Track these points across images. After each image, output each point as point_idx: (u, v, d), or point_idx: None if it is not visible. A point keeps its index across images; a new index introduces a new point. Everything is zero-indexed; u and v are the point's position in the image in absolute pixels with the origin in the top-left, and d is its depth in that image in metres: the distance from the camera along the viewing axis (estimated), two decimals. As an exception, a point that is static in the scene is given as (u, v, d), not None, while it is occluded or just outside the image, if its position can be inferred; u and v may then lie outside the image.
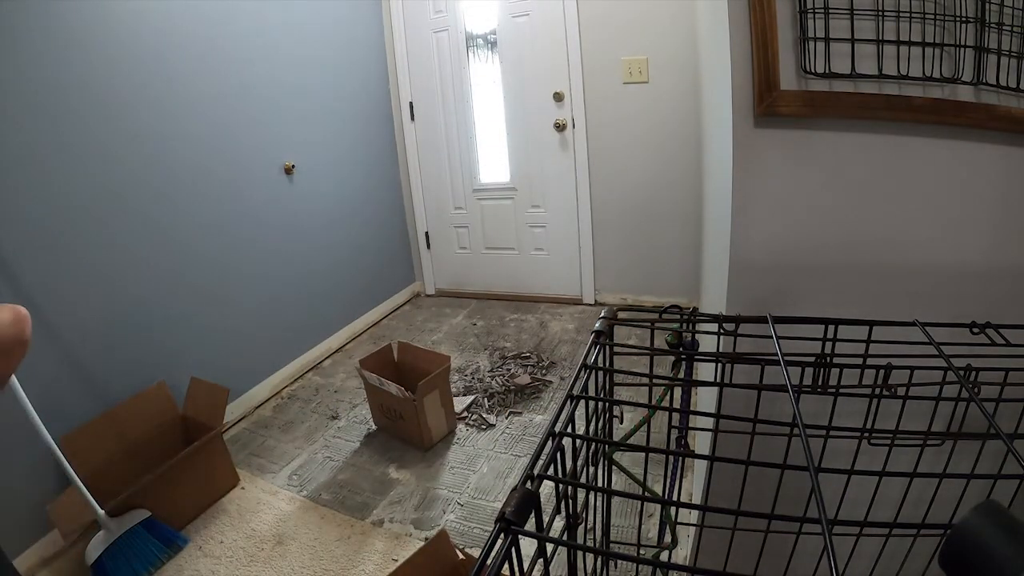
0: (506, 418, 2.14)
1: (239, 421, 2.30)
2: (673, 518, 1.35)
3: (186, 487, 1.70)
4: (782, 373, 0.60)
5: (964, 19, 0.75)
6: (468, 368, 2.55)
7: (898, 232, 0.84)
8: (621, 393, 1.71)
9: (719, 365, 0.75)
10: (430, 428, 1.99)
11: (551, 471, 0.50)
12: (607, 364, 0.75)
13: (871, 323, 0.73)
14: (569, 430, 0.56)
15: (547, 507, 0.50)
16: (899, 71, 0.77)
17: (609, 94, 2.81)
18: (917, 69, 0.77)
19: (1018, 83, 0.75)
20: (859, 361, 0.73)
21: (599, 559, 1.03)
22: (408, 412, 1.95)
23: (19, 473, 1.58)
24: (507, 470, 1.85)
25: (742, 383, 0.76)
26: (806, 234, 0.86)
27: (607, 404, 0.90)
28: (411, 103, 3.27)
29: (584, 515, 1.05)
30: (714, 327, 0.81)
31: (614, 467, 0.90)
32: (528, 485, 0.47)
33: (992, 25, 0.75)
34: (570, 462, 0.83)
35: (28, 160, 1.59)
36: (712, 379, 0.76)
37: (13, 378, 1.41)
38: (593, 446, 0.91)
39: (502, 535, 0.41)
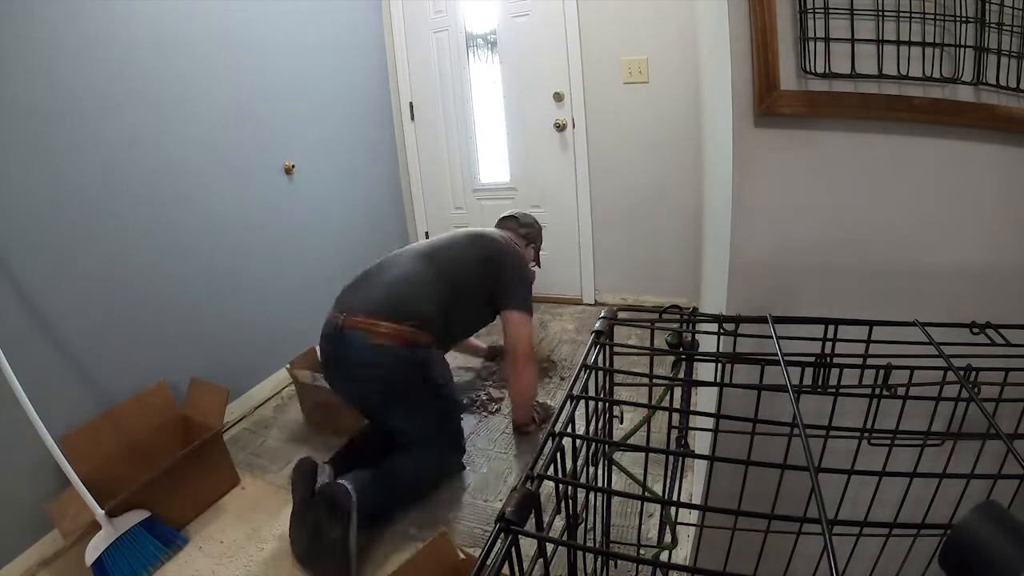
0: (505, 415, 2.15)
1: (239, 421, 2.30)
2: (673, 518, 1.34)
3: (186, 487, 1.70)
4: (782, 373, 0.60)
5: (964, 19, 0.75)
6: (466, 367, 2.55)
7: (898, 232, 0.84)
8: (621, 393, 1.71)
9: (719, 365, 0.75)
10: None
11: (551, 471, 0.50)
12: (607, 364, 0.75)
13: (871, 323, 0.73)
14: (569, 430, 0.56)
15: (547, 507, 0.50)
16: (899, 71, 0.77)
17: (609, 94, 2.81)
18: (917, 69, 0.77)
19: (1018, 83, 0.75)
20: (859, 361, 0.73)
21: (599, 559, 1.03)
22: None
23: (19, 473, 1.58)
24: (507, 470, 1.85)
25: (742, 383, 0.76)
26: (806, 234, 0.86)
27: (607, 404, 0.90)
28: (411, 103, 3.27)
29: (584, 515, 1.05)
30: (714, 327, 0.81)
31: (614, 467, 0.90)
32: (528, 485, 0.47)
33: (992, 25, 0.75)
34: (570, 462, 0.83)
35: (28, 161, 1.59)
36: (712, 379, 0.76)
37: (13, 378, 1.41)
38: (593, 446, 0.91)
39: (502, 535, 0.41)
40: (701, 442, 1.27)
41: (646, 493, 1.02)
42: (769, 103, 0.79)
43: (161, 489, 1.61)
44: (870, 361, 0.72)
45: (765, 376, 0.73)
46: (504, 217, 2.29)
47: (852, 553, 0.74)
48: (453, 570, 1.27)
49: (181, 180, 2.05)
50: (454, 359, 2.52)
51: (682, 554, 1.33)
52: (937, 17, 0.75)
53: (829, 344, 0.75)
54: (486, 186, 3.27)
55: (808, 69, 0.78)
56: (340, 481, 1.49)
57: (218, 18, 2.17)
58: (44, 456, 1.48)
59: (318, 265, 2.73)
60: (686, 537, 1.34)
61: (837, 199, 0.84)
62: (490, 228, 2.11)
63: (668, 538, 0.91)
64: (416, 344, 1.62)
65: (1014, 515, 0.36)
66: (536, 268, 2.30)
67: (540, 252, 2.37)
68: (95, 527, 1.51)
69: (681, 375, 0.82)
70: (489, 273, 1.86)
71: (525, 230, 2.24)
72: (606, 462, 0.96)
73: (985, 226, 0.81)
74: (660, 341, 0.80)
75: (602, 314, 0.80)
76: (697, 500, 1.36)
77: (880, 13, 0.76)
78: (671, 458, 1.12)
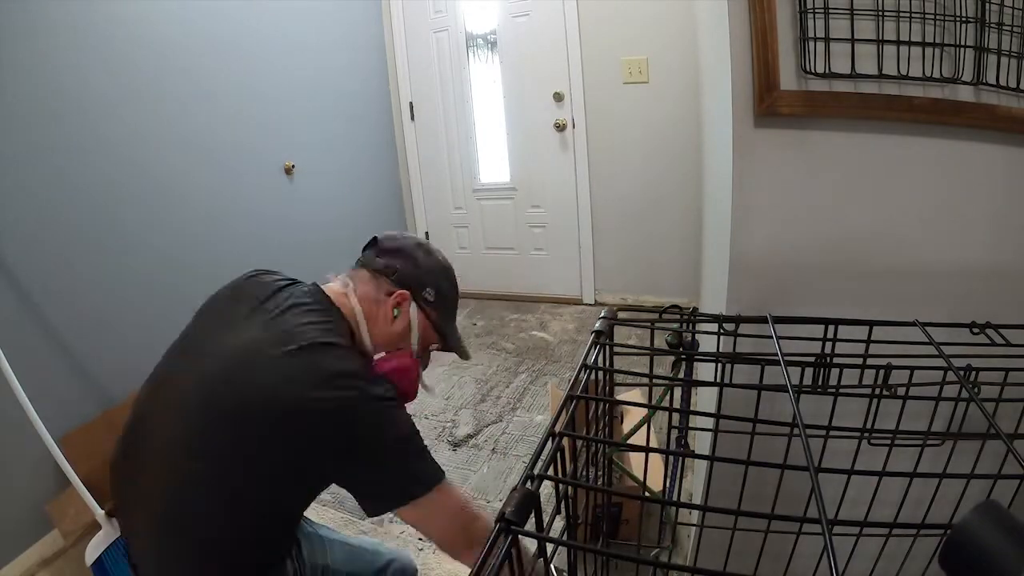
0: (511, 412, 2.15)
1: (239, 421, 2.30)
2: (673, 518, 1.35)
3: (186, 487, 1.69)
4: (782, 373, 0.60)
5: (964, 19, 0.75)
6: (468, 364, 2.56)
7: (898, 232, 0.84)
8: (621, 393, 1.71)
9: (719, 365, 0.75)
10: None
11: (551, 471, 0.50)
12: (607, 364, 0.75)
13: (871, 323, 0.73)
14: (569, 430, 0.56)
15: (547, 507, 0.50)
16: (899, 71, 0.77)
17: (609, 94, 2.81)
18: (917, 69, 0.77)
19: (1018, 83, 0.75)
20: (859, 361, 0.73)
21: (599, 559, 1.03)
22: None
23: (19, 473, 1.58)
24: (507, 470, 1.85)
25: (742, 383, 0.76)
26: (806, 234, 0.86)
27: (607, 404, 0.90)
28: (411, 103, 3.27)
29: (585, 515, 1.05)
30: (714, 327, 0.81)
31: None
32: (528, 485, 0.47)
33: (992, 25, 0.75)
34: (570, 462, 0.83)
35: (30, 161, 1.59)
36: (712, 379, 0.76)
37: (13, 378, 1.41)
38: (593, 446, 0.91)
39: (502, 535, 0.41)
40: (701, 442, 1.27)
41: (646, 493, 1.02)
42: (769, 103, 0.79)
43: (161, 489, 1.61)
44: (870, 361, 0.72)
45: (765, 376, 0.73)
46: (365, 247, 1.03)
47: (852, 553, 0.74)
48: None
49: (181, 180, 2.05)
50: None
51: (682, 554, 1.33)
52: (937, 17, 0.75)
53: (829, 344, 0.75)
54: (486, 186, 3.27)
55: (808, 69, 0.78)
56: None
57: (218, 18, 2.16)
58: (44, 456, 1.48)
59: (317, 265, 2.72)
60: (686, 537, 1.34)
61: (837, 199, 0.84)
62: (304, 290, 0.95)
63: (668, 538, 0.91)
64: None
65: (1014, 515, 0.36)
66: (410, 361, 0.95)
67: (443, 302, 0.98)
68: (95, 527, 1.51)
69: (681, 375, 0.82)
70: (288, 453, 0.76)
71: (385, 262, 0.95)
72: (606, 462, 0.96)
73: (985, 226, 0.81)
74: (660, 341, 0.80)
75: (602, 314, 0.80)
76: (697, 500, 1.36)
77: (880, 13, 0.76)
78: (671, 458, 1.12)
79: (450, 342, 1.00)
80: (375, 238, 0.99)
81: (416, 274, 0.94)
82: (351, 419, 0.76)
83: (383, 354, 0.94)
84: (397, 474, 0.80)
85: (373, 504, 0.81)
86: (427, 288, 0.95)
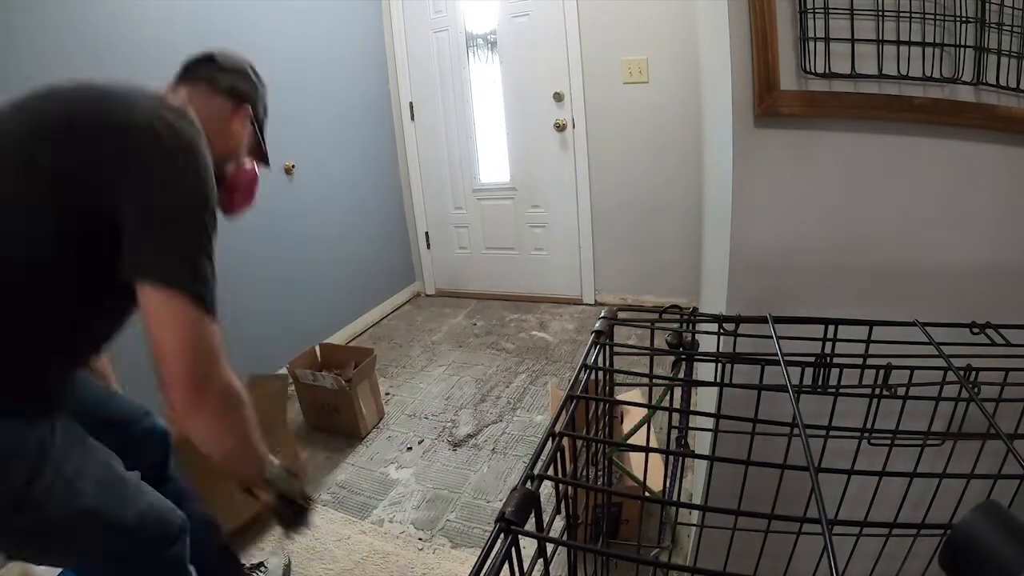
0: (512, 411, 2.15)
1: (239, 421, 2.30)
2: (673, 518, 1.35)
3: (186, 487, 1.69)
4: (782, 373, 0.60)
5: (964, 19, 0.75)
6: (468, 364, 2.56)
7: (898, 232, 0.84)
8: (621, 393, 1.71)
9: (719, 365, 0.75)
10: (364, 417, 2.10)
11: (551, 471, 0.50)
12: (607, 364, 0.75)
13: (871, 323, 0.73)
14: (569, 430, 0.56)
15: (547, 507, 0.50)
16: (899, 71, 0.77)
17: (609, 94, 2.81)
18: (917, 69, 0.77)
19: (1018, 83, 0.75)
20: (859, 361, 0.73)
21: (599, 559, 1.03)
22: (343, 403, 2.03)
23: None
24: (507, 470, 1.85)
25: (742, 383, 0.76)
26: (806, 234, 0.86)
27: (607, 404, 0.90)
28: (411, 103, 3.27)
29: (585, 515, 1.05)
30: (714, 327, 0.81)
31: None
32: (528, 485, 0.47)
33: (992, 25, 0.75)
34: (570, 462, 0.83)
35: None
36: (712, 379, 0.76)
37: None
38: (593, 446, 0.91)
39: (502, 535, 0.41)
40: (701, 442, 1.27)
41: (646, 493, 1.02)
42: (769, 103, 0.79)
43: (161, 489, 1.61)
44: (870, 361, 0.72)
45: (765, 376, 0.73)
46: (194, 62, 1.05)
47: (852, 553, 0.74)
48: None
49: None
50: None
51: (682, 554, 1.33)
52: (937, 17, 0.75)
53: (829, 344, 0.75)
54: (486, 186, 3.27)
55: (808, 69, 0.78)
56: None
57: (218, 18, 2.17)
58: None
59: (317, 265, 2.73)
60: (686, 537, 1.34)
61: (837, 199, 0.84)
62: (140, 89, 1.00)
63: (668, 538, 0.91)
64: None
65: (1014, 515, 0.36)
66: (252, 166, 1.17)
67: (264, 130, 1.14)
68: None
69: (681, 375, 0.82)
70: (76, 194, 0.79)
71: (230, 80, 1.04)
72: (606, 462, 0.96)
73: (985, 226, 0.81)
74: (660, 341, 0.80)
75: (602, 314, 0.80)
76: (697, 500, 1.36)
77: (880, 13, 0.76)
78: (671, 458, 1.12)
79: (264, 150, 1.17)
80: (212, 57, 1.05)
81: (254, 93, 1.09)
82: (173, 153, 0.86)
83: (231, 166, 1.12)
84: (180, 239, 0.85)
85: (140, 264, 0.82)
86: (259, 105, 1.11)
